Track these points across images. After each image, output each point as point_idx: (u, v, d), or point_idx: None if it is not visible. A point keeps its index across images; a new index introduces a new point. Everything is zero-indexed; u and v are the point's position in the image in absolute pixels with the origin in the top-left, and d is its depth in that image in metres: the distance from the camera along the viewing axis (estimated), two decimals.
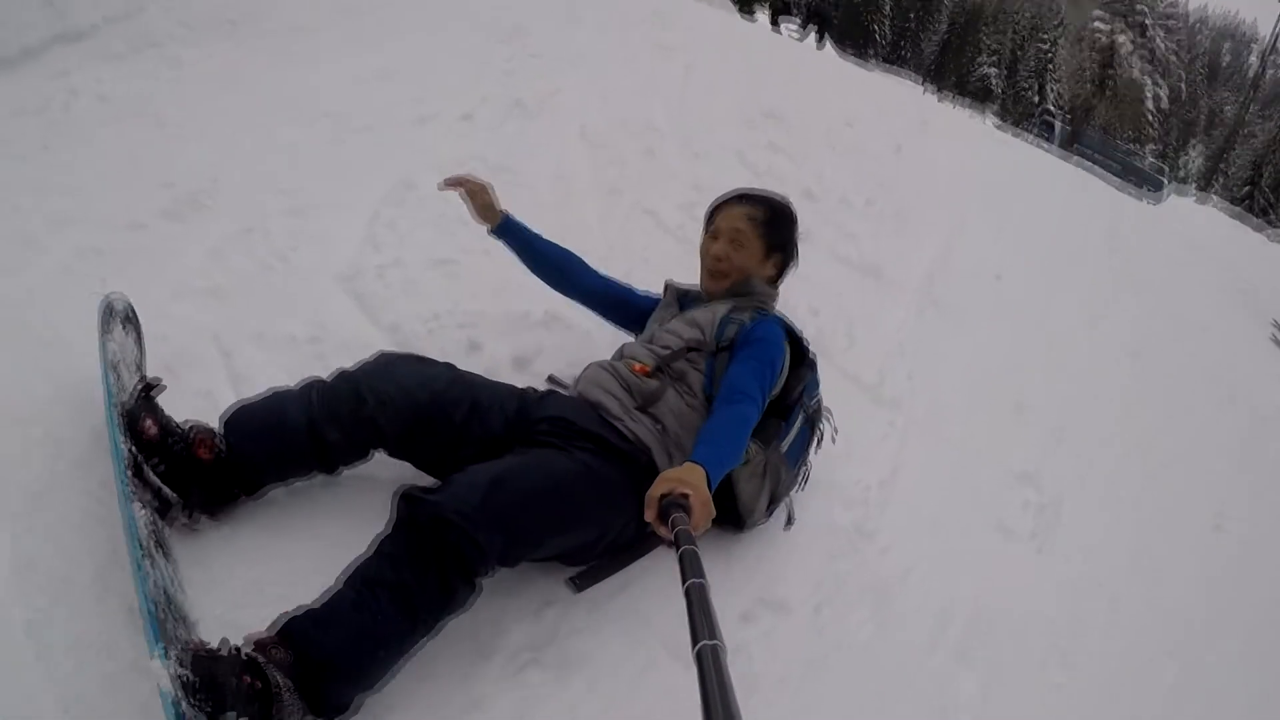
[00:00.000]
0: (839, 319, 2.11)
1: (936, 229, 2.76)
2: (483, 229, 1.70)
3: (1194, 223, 5.84)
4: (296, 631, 1.01)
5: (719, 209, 1.52)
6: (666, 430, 1.29)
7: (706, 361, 1.37)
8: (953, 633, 1.38)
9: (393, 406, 1.23)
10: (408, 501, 1.06)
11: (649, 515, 0.97)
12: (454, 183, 1.60)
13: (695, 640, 0.67)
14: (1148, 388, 2.42)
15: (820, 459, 1.62)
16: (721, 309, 1.43)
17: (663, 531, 0.93)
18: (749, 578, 1.35)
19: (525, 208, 2.46)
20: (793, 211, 1.54)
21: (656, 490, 0.97)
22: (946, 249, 2.66)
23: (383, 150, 2.53)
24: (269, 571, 1.22)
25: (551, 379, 1.65)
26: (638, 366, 1.36)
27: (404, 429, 1.25)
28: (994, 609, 1.46)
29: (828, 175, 2.86)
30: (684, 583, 0.76)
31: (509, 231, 1.64)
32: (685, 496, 0.95)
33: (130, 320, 1.48)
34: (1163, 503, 1.95)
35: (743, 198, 1.52)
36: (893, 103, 4.20)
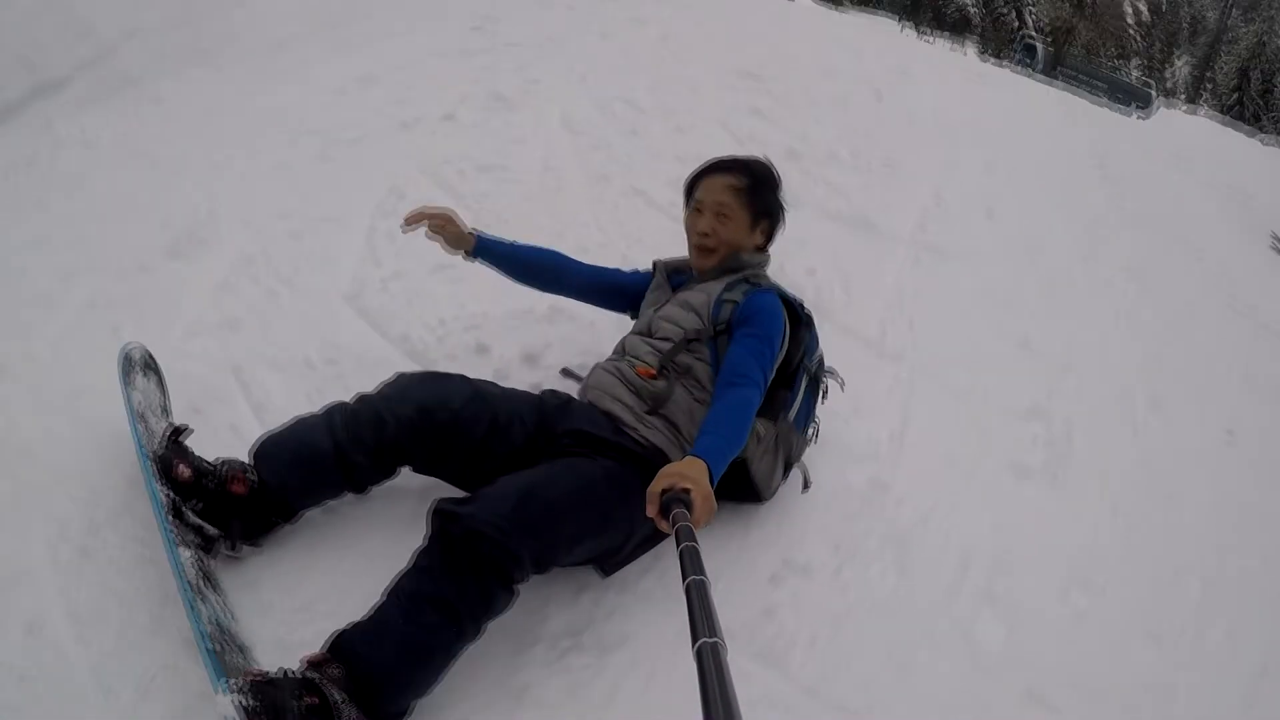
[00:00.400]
0: (835, 276, 2.10)
1: (924, 174, 2.71)
2: (459, 257, 1.59)
3: (1185, 135, 5.65)
4: (347, 647, 1.04)
5: (698, 181, 1.45)
6: (679, 429, 1.30)
7: (709, 348, 1.35)
8: (974, 574, 1.40)
9: (413, 429, 1.25)
10: (441, 516, 1.09)
11: (650, 511, 0.96)
12: (414, 218, 1.50)
13: (695, 638, 0.66)
14: (1150, 309, 2.39)
15: (830, 419, 1.63)
16: (715, 289, 1.39)
17: (664, 526, 0.93)
18: (771, 543, 1.38)
19: (516, 202, 2.47)
20: (774, 173, 1.46)
21: (657, 486, 0.97)
22: (936, 193, 2.61)
23: (371, 160, 2.50)
24: (315, 590, 1.26)
25: (566, 371, 1.67)
26: (642, 369, 1.35)
27: (427, 449, 1.27)
28: (1012, 546, 1.48)
29: (811, 133, 2.80)
30: (684, 580, 0.76)
31: (486, 251, 1.55)
32: (686, 491, 0.95)
33: (150, 367, 1.51)
34: (1173, 422, 1.95)
35: (721, 167, 1.43)
36: (870, 48, 4.08)
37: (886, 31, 8.19)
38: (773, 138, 2.69)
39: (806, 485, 1.46)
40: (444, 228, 1.49)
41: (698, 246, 1.43)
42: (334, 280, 1.99)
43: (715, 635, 0.65)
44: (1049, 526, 1.55)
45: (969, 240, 2.39)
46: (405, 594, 1.08)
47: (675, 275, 1.53)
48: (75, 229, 2.17)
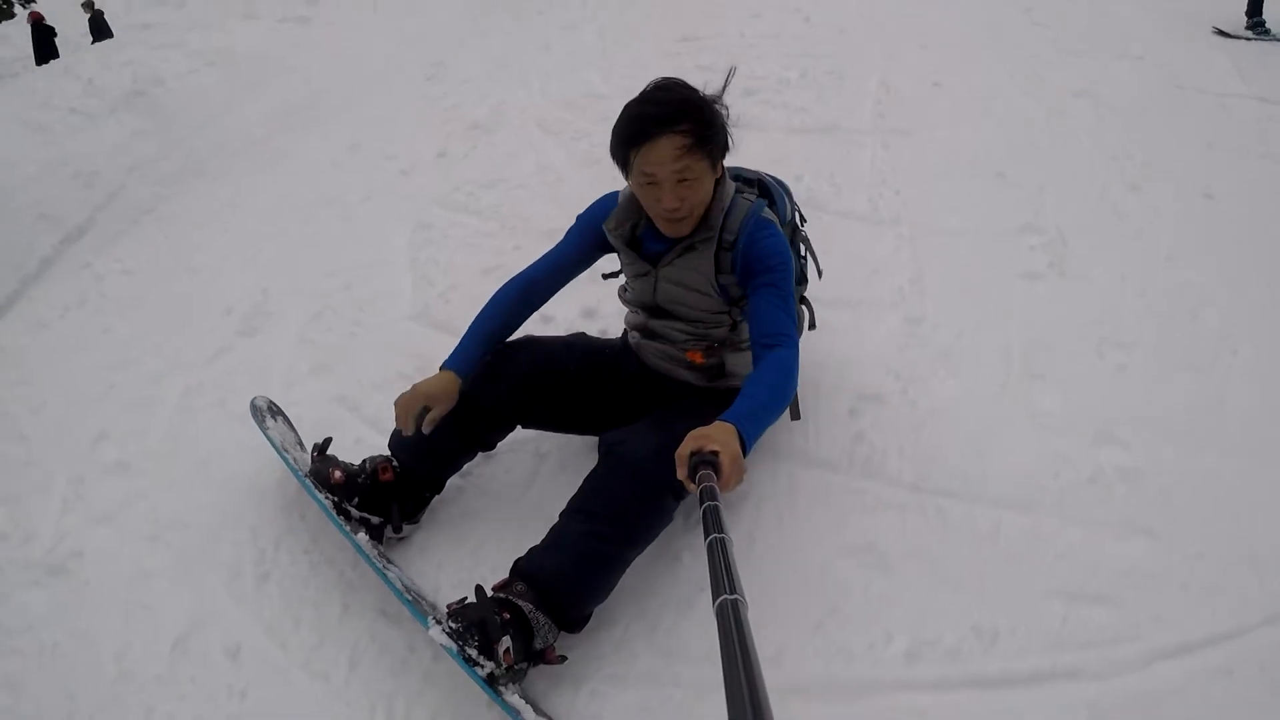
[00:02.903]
0: (820, 175, 2.29)
1: (868, 71, 2.92)
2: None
3: None
4: (528, 566, 1.17)
5: (635, 149, 1.15)
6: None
7: (736, 311, 1.31)
8: (1017, 362, 1.60)
9: (521, 381, 1.36)
10: (610, 445, 1.22)
11: (680, 474, 0.97)
12: (419, 423, 1.31)
13: (716, 594, 0.66)
14: (1107, 116, 2.57)
15: (853, 283, 1.82)
16: (704, 265, 1.25)
17: (691, 488, 0.94)
18: (839, 386, 1.57)
19: (525, 203, 2.64)
20: (707, 101, 1.19)
21: (685, 449, 0.97)
22: (884, 83, 2.81)
23: (388, 208, 2.72)
24: (478, 538, 1.45)
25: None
26: (691, 354, 1.33)
27: (535, 397, 1.38)
28: (1042, 333, 1.67)
29: (757, 69, 3.01)
30: (706, 538, 0.76)
31: (472, 366, 1.37)
32: (714, 454, 0.95)
33: (276, 411, 1.70)
34: (1153, 199, 2.12)
35: (658, 123, 1.14)
36: None
37: None
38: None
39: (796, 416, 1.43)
40: (436, 405, 1.30)
41: (666, 220, 1.22)
42: (398, 309, 2.19)
43: (735, 591, 0.65)
44: (1069, 309, 1.74)
45: (925, 113, 2.60)
46: (579, 510, 1.18)
47: (646, 244, 1.32)
48: (147, 340, 2.38)
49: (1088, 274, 1.83)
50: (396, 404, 1.30)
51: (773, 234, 1.24)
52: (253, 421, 1.64)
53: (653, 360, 1.41)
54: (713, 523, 0.80)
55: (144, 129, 3.51)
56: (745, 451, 0.99)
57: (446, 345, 2.01)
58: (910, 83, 2.80)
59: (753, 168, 1.45)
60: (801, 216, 1.49)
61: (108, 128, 3.48)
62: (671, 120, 1.13)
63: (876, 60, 3.00)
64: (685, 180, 1.16)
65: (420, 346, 2.00)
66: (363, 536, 1.34)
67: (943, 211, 2.10)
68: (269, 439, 1.58)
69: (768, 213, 1.28)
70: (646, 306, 1.36)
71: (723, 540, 0.75)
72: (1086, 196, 2.13)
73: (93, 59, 4.10)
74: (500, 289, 1.41)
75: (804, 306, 1.47)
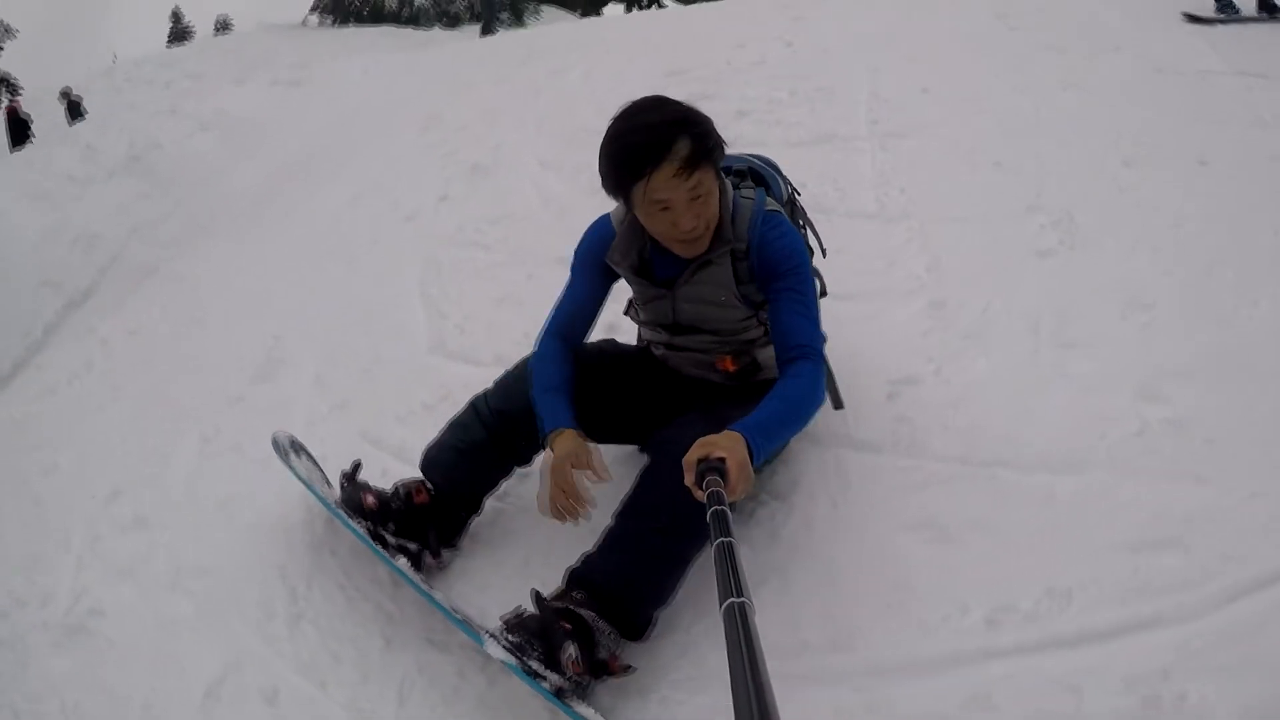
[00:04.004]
0: (823, 181, 2.41)
1: (857, 84, 3.10)
2: None
3: None
4: (583, 572, 1.15)
5: (642, 179, 1.10)
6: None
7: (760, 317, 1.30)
8: (1044, 333, 1.65)
9: None
10: (661, 441, 1.20)
11: (687, 480, 0.98)
12: (575, 508, 1.23)
13: (722, 598, 0.67)
14: (1093, 103, 2.71)
15: (872, 275, 1.89)
16: (723, 275, 1.23)
17: (699, 495, 0.95)
18: (874, 372, 1.61)
19: (533, 235, 2.72)
20: (698, 112, 1.16)
21: (693, 455, 0.98)
22: (874, 94, 2.99)
23: (394, 251, 2.81)
24: (522, 555, 1.44)
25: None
26: (720, 361, 1.33)
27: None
28: (1064, 304, 1.72)
29: (747, 92, 3.19)
30: (712, 542, 0.79)
31: (571, 416, 1.29)
32: (720, 460, 0.96)
33: (299, 448, 1.69)
34: (1150, 172, 2.22)
35: (658, 147, 1.09)
36: (759, 11, 4.59)
37: None
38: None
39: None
40: (585, 458, 1.22)
41: (684, 242, 1.19)
42: (414, 343, 2.23)
43: (743, 595, 0.66)
44: (1086, 279, 1.80)
45: (918, 116, 2.75)
46: (634, 511, 1.15)
47: (656, 269, 1.28)
48: (158, 396, 2.41)
49: (1099, 245, 1.91)
50: (551, 503, 1.18)
51: (784, 231, 1.23)
52: (274, 463, 1.63)
53: (684, 368, 1.40)
54: (719, 528, 0.82)
55: (143, 192, 3.64)
56: (753, 462, 1.00)
57: (466, 374, 2.07)
58: (899, 91, 2.98)
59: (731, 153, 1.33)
60: (795, 189, 1.52)
61: (107, 192, 3.61)
62: (671, 140, 1.09)
63: (863, 75, 3.19)
64: (699, 196, 1.13)
65: (440, 377, 2.03)
66: (402, 561, 1.32)
67: (948, 202, 2.21)
68: (294, 472, 1.56)
69: (770, 204, 1.27)
70: (666, 325, 1.34)
71: (730, 544, 0.77)
72: (1085, 175, 2.25)
73: (88, 128, 4.28)
74: (539, 351, 1.34)
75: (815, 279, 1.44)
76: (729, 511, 0.86)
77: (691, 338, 1.33)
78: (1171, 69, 2.90)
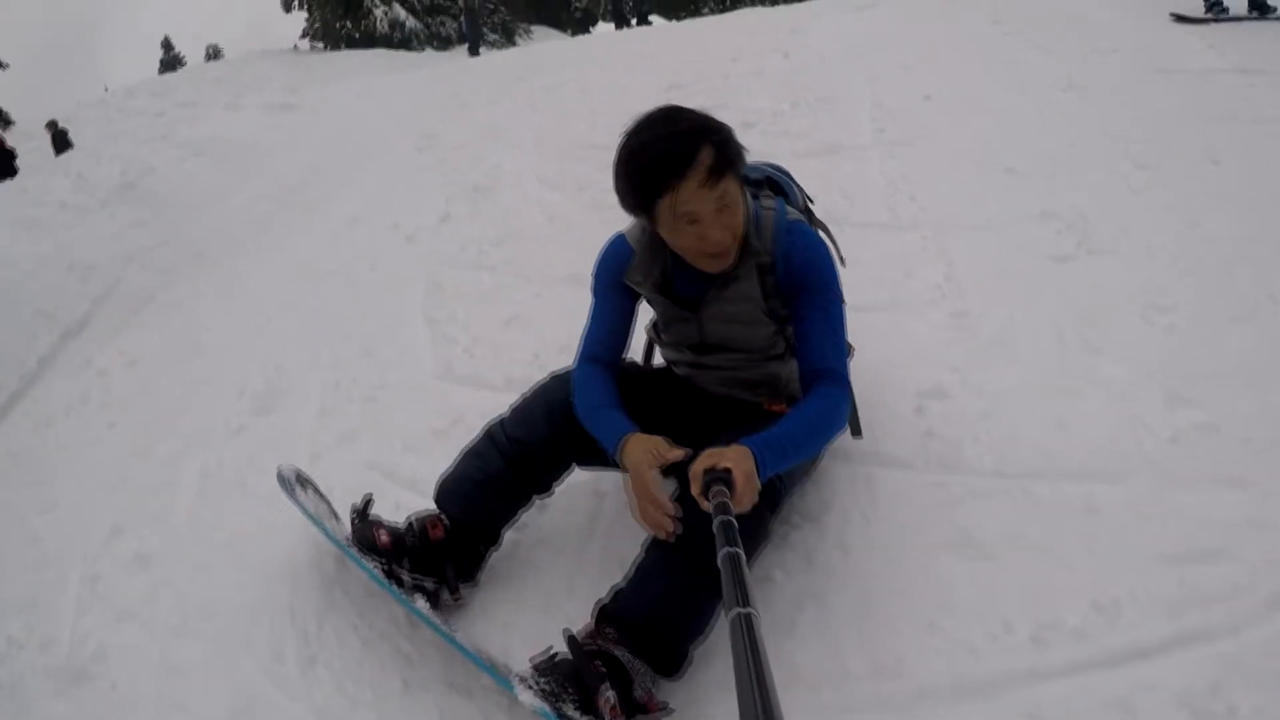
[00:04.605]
0: (833, 191, 2.42)
1: (858, 94, 3.13)
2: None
3: None
4: (613, 608, 1.12)
5: (668, 193, 1.07)
6: None
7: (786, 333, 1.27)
8: (1069, 339, 1.65)
9: (567, 416, 1.27)
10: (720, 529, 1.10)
11: (694, 490, 0.98)
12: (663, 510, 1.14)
13: (729, 608, 0.68)
14: (1096, 103, 2.75)
15: (890, 286, 1.88)
16: (751, 289, 1.21)
17: (705, 505, 0.96)
18: (901, 386, 1.60)
19: (540, 252, 2.71)
20: (715, 119, 1.14)
21: (700, 466, 0.99)
22: (876, 103, 3.02)
23: (396, 273, 2.79)
24: (545, 592, 1.39)
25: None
26: (773, 406, 1.29)
27: (582, 430, 1.26)
28: (1086, 309, 1.73)
29: (749, 104, 3.22)
30: (719, 552, 0.80)
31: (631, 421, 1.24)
32: (727, 471, 0.97)
33: (305, 481, 1.64)
34: (1161, 173, 2.25)
35: (681, 160, 1.06)
36: (753, 26, 4.66)
37: (747, 12, 8.99)
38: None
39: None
40: (664, 454, 1.14)
41: (712, 256, 1.16)
42: (421, 369, 2.19)
43: (749, 605, 0.67)
44: (1106, 283, 1.81)
45: (922, 123, 2.79)
46: (664, 543, 1.10)
47: (678, 287, 1.26)
48: (158, 428, 2.37)
49: (1116, 248, 1.92)
50: (643, 515, 1.11)
51: (811, 241, 1.21)
52: (280, 497, 1.59)
53: (710, 386, 1.36)
54: (725, 538, 0.82)
55: (138, 219, 3.64)
56: (760, 477, 1.00)
57: (477, 399, 2.05)
58: (901, 99, 3.01)
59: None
60: (809, 198, 1.52)
61: (101, 220, 3.61)
62: (695, 149, 1.06)
63: (863, 83, 3.23)
64: (726, 206, 1.10)
65: (450, 402, 2.00)
66: (421, 602, 1.27)
67: (961, 209, 2.22)
68: (301, 508, 1.52)
69: (792, 213, 1.25)
70: (692, 346, 1.31)
71: (737, 554, 0.78)
72: (1097, 178, 2.26)
73: (80, 156, 4.29)
74: (576, 378, 1.30)
75: None
76: (735, 522, 0.86)
77: (719, 356, 1.30)
78: (1173, 68, 2.95)
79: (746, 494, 0.97)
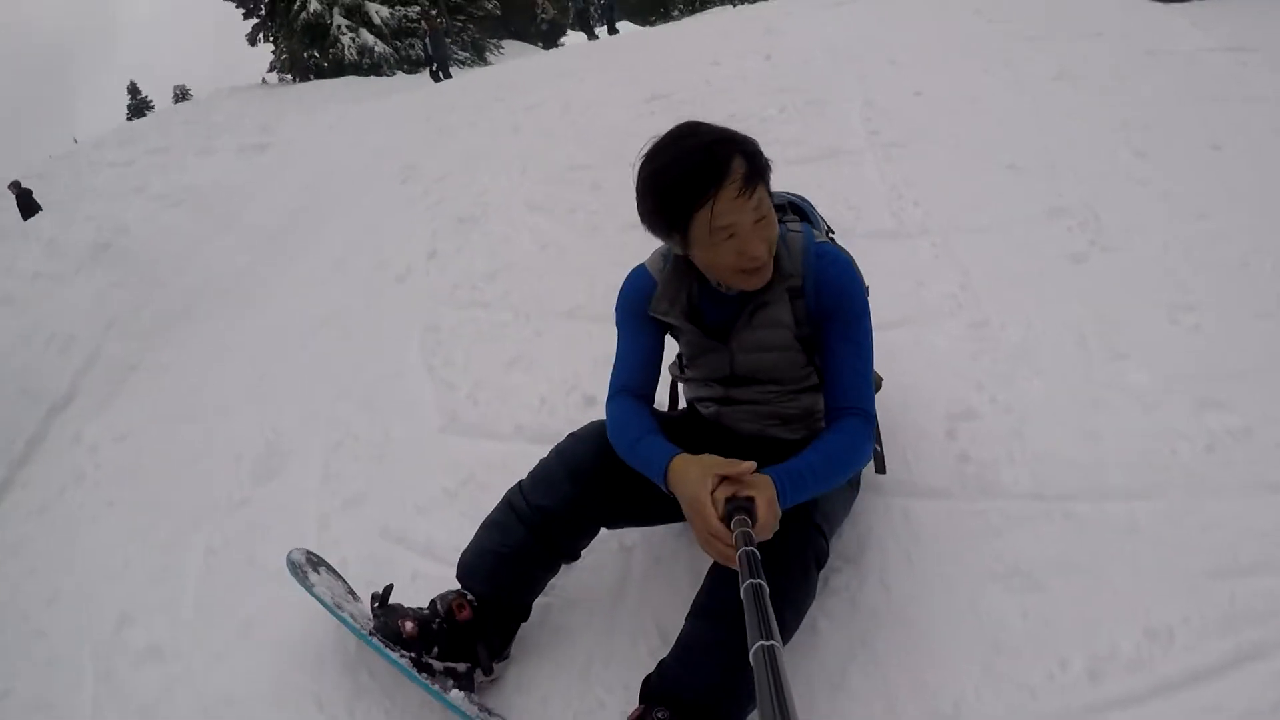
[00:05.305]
0: (834, 200, 2.41)
1: (847, 94, 3.13)
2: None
3: None
4: (665, 688, 1.09)
5: (703, 206, 1.06)
6: None
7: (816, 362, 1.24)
8: (1095, 349, 1.64)
9: (594, 474, 1.26)
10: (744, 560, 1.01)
11: (714, 517, 0.98)
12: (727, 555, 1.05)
13: (752, 641, 0.68)
14: (1092, 93, 2.75)
15: (905, 300, 1.87)
16: (783, 314, 1.19)
17: (725, 534, 0.96)
18: (928, 407, 1.59)
19: (536, 282, 2.67)
20: (740, 132, 1.11)
21: (721, 492, 0.99)
22: (867, 102, 3.01)
23: (389, 318, 2.77)
24: (583, 660, 1.37)
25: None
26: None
27: (612, 490, 1.27)
28: (1107, 310, 1.73)
29: (736, 111, 3.19)
30: (742, 583, 0.80)
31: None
32: (749, 500, 0.97)
33: (317, 562, 1.61)
34: (1164, 163, 2.25)
35: (713, 174, 1.05)
36: (727, 28, 4.66)
37: (718, 11, 8.99)
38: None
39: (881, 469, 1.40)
40: (721, 472, 1.09)
41: (750, 272, 1.13)
42: (425, 422, 2.16)
43: (773, 638, 0.68)
44: (1125, 282, 1.81)
45: (916, 122, 2.78)
46: (713, 611, 1.09)
47: (706, 314, 1.24)
48: (156, 506, 2.33)
49: (1130, 245, 1.92)
50: (707, 546, 1.03)
51: (843, 267, 1.19)
52: (290, 578, 1.53)
53: (739, 424, 1.32)
54: (749, 569, 0.82)
55: (116, 281, 3.61)
56: (780, 505, 1.00)
57: (486, 451, 2.03)
58: (891, 98, 3.01)
59: None
60: (830, 227, 1.54)
61: (77, 286, 3.58)
62: (728, 158, 1.04)
63: (852, 83, 3.23)
64: (762, 218, 1.08)
65: (459, 457, 1.98)
66: (456, 694, 1.24)
67: (967, 212, 2.21)
68: (318, 598, 1.47)
69: (819, 235, 1.25)
70: (721, 379, 1.28)
71: (760, 586, 0.78)
72: (1100, 170, 2.26)
73: (50, 218, 4.26)
74: (611, 413, 1.27)
75: None
76: (757, 553, 0.86)
77: (749, 389, 1.27)
78: (1161, 49, 2.96)
79: (769, 521, 0.97)
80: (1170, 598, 1.17)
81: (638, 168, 1.11)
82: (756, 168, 1.07)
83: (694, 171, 1.05)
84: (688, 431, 1.36)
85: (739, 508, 0.96)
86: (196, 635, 1.75)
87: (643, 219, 1.13)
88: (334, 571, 1.62)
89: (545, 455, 1.36)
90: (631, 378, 1.28)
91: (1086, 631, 1.15)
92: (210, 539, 2.06)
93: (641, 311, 1.27)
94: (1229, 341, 1.57)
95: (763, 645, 0.67)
